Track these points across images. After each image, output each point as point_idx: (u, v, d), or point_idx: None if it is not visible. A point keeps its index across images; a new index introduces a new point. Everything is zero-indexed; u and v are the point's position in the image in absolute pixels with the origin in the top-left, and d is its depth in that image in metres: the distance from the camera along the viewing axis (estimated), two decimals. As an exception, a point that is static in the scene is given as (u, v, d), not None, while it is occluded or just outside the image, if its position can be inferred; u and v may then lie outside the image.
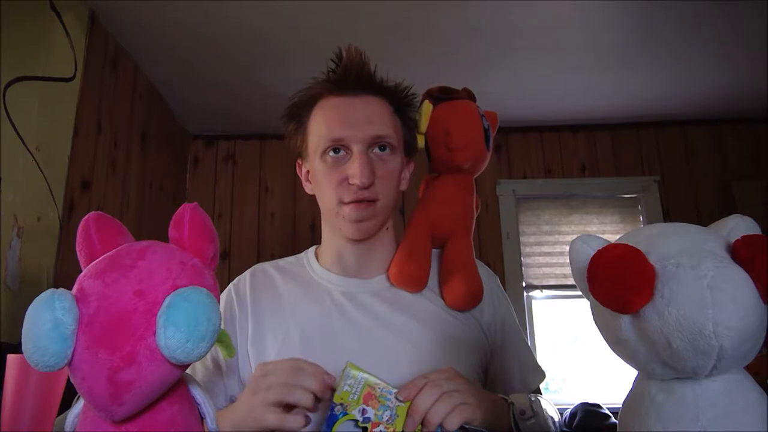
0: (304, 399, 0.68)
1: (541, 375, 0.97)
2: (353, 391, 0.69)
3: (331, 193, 0.88)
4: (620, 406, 0.55)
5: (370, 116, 0.87)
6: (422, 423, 0.67)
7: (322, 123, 0.88)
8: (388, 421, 0.68)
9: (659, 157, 3.04)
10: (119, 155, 2.25)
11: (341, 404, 0.69)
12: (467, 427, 0.70)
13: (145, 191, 2.50)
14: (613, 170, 3.03)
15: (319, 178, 0.90)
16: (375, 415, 0.68)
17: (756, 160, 2.97)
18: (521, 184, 3.02)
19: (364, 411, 0.68)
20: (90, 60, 2.01)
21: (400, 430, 0.67)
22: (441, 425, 0.67)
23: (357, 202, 0.87)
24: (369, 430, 0.67)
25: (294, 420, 0.68)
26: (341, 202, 0.87)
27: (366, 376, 0.70)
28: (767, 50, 2.33)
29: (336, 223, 0.91)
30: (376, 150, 0.88)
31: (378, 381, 0.70)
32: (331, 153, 0.87)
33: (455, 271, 0.93)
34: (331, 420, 0.68)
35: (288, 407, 0.69)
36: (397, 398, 0.69)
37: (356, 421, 0.68)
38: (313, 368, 0.70)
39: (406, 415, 0.68)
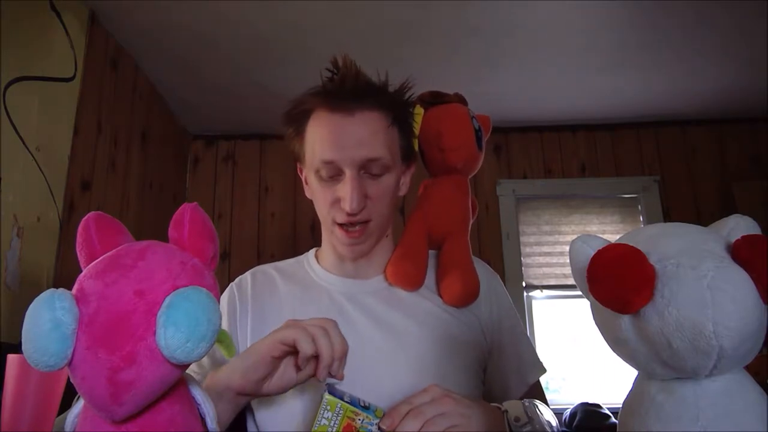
0: (326, 353, 0.67)
1: (540, 370, 0.97)
2: (332, 424, 0.65)
3: (324, 212, 0.90)
4: (620, 406, 0.55)
5: (362, 138, 0.85)
6: None
7: (316, 140, 0.88)
8: None
9: (659, 157, 3.04)
10: (119, 155, 2.25)
11: None
12: None
13: (145, 191, 2.50)
14: (613, 170, 3.03)
15: (314, 194, 0.91)
16: None
17: (756, 160, 2.97)
18: (521, 184, 3.02)
19: None
20: (90, 60, 2.01)
21: None
22: None
23: (349, 226, 0.87)
24: None
25: (309, 343, 0.67)
26: (334, 222, 0.88)
27: (346, 405, 0.66)
28: (767, 50, 2.33)
29: (331, 240, 0.93)
30: (369, 171, 0.87)
31: (358, 410, 0.66)
32: (324, 172, 0.87)
33: (452, 268, 0.93)
34: None
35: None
36: (379, 428, 0.66)
37: None
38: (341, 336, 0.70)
39: None
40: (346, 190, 0.84)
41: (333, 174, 0.86)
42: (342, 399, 0.66)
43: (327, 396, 0.66)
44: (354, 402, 0.67)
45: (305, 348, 0.67)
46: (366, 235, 0.89)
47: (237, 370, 0.72)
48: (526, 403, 0.79)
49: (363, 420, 0.66)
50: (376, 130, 0.86)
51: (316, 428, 0.65)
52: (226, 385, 0.72)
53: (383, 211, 0.90)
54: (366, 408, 0.67)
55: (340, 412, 0.66)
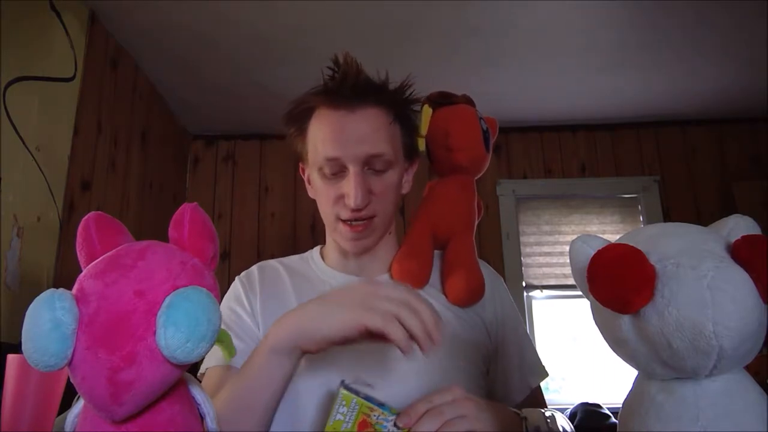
0: (418, 329, 0.65)
1: (542, 374, 0.97)
2: (347, 420, 0.64)
3: (328, 209, 0.89)
4: (620, 406, 0.55)
5: (364, 135, 0.85)
6: None
7: (318, 138, 0.88)
8: None
9: (659, 157, 3.04)
10: (119, 155, 2.26)
11: None
12: None
13: (145, 191, 2.50)
14: (613, 170, 3.03)
15: (318, 192, 0.91)
16: None
17: (756, 160, 2.97)
18: (521, 184, 3.02)
19: None
20: (90, 60, 2.01)
21: None
22: None
23: (354, 221, 0.87)
24: None
25: (400, 331, 0.64)
26: (338, 219, 0.88)
27: (360, 402, 0.65)
28: (767, 50, 2.33)
29: (334, 237, 0.93)
30: (373, 167, 0.87)
31: (374, 405, 0.65)
32: (327, 170, 0.87)
33: (456, 268, 0.93)
34: None
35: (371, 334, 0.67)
36: (396, 425, 0.64)
37: None
38: (428, 303, 0.68)
39: None
40: (350, 186, 0.84)
41: (336, 171, 0.86)
42: (357, 395, 0.65)
43: (343, 391, 0.65)
44: (369, 399, 0.66)
45: (398, 336, 0.65)
46: (370, 230, 0.89)
47: (300, 338, 0.70)
48: (547, 414, 0.77)
49: (378, 416, 0.64)
50: (378, 127, 0.86)
51: (331, 423, 0.64)
52: (296, 345, 0.71)
53: (387, 208, 0.90)
54: (381, 405, 0.66)
55: (356, 407, 0.65)
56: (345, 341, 0.69)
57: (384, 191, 0.88)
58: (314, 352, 0.72)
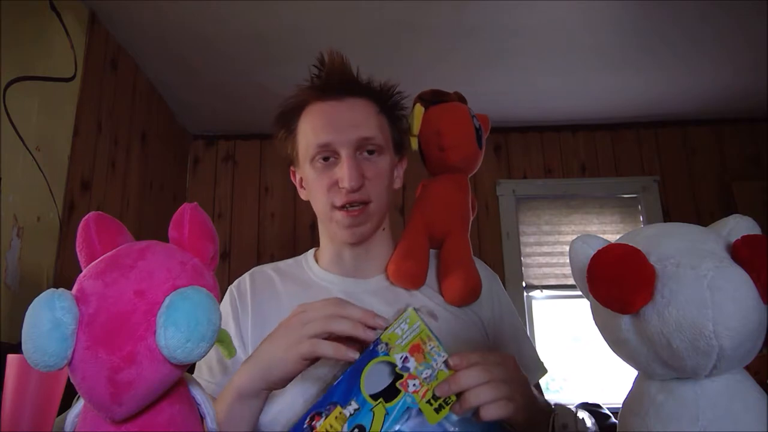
0: (348, 327, 0.67)
1: (541, 370, 0.97)
2: (404, 336, 0.66)
3: (323, 198, 0.90)
4: (620, 406, 0.55)
5: (355, 119, 0.88)
6: (457, 396, 0.64)
7: (309, 130, 0.89)
8: (425, 379, 0.64)
9: (659, 157, 3.04)
10: (119, 155, 2.26)
11: (386, 344, 0.66)
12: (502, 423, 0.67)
13: (145, 191, 2.50)
14: (613, 170, 3.03)
15: (311, 184, 0.92)
16: (415, 368, 0.65)
17: (756, 160, 2.97)
18: (521, 184, 3.02)
19: (405, 359, 0.65)
20: (90, 60, 2.01)
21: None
22: (476, 410, 0.63)
23: (349, 206, 0.88)
24: (403, 379, 0.64)
25: (328, 346, 0.67)
26: (333, 207, 0.89)
27: (423, 328, 0.66)
28: (767, 50, 2.33)
29: (331, 228, 0.93)
30: (364, 152, 0.89)
31: (432, 338, 0.66)
32: (320, 159, 0.88)
33: (452, 267, 0.93)
34: (370, 355, 0.66)
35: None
36: (445, 363, 0.65)
37: (394, 365, 0.65)
38: (356, 305, 0.71)
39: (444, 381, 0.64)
40: (343, 170, 0.86)
41: (329, 158, 0.88)
42: (422, 320, 0.67)
43: (411, 310, 0.67)
44: (430, 330, 0.68)
45: (328, 353, 0.68)
46: (366, 216, 0.89)
47: (262, 382, 0.73)
48: (579, 415, 0.77)
49: (432, 348, 0.66)
50: (367, 114, 0.89)
51: (387, 333, 0.66)
52: (260, 389, 0.75)
53: (381, 193, 0.91)
54: (438, 339, 0.67)
55: (416, 330, 0.66)
56: (299, 372, 0.72)
57: (376, 176, 0.89)
58: (279, 388, 0.75)
